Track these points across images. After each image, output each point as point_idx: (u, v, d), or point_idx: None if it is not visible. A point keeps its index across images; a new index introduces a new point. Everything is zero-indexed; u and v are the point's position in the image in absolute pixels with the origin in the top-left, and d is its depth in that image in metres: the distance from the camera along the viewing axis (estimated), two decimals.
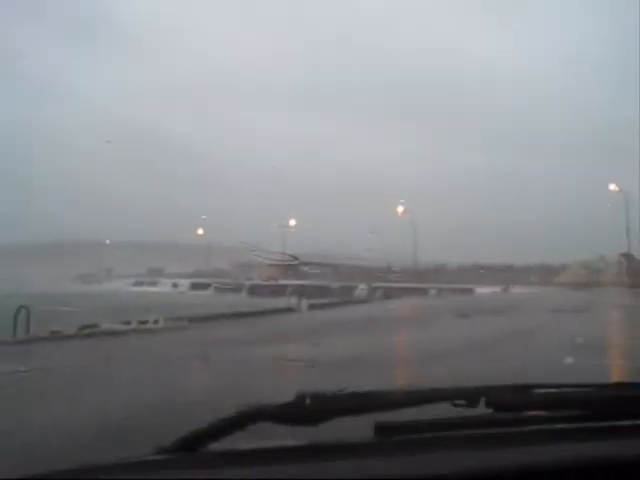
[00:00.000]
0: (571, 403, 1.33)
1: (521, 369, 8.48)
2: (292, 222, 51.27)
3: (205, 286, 53.53)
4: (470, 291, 42.35)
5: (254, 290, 47.98)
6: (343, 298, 36.53)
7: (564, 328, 15.61)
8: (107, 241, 71.16)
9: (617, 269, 42.01)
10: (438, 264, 56.66)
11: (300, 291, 32.02)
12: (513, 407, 1.30)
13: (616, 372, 9.02)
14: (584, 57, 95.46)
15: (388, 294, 39.32)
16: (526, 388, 1.34)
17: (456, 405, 1.27)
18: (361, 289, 44.23)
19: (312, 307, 26.33)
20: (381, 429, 1.22)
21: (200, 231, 64.86)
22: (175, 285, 61.57)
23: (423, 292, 42.15)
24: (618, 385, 1.60)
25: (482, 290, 41.66)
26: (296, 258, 54.21)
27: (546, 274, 47.63)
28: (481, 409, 1.26)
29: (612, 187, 44.74)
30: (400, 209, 51.36)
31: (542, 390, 1.36)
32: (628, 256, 41.41)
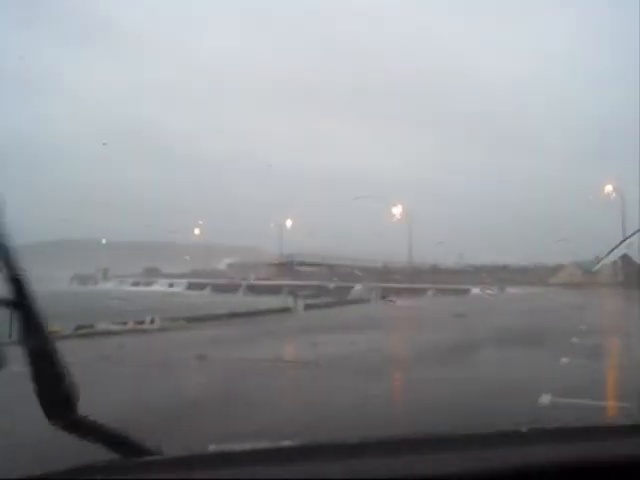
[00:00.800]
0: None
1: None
2: (289, 222, 51.22)
3: (202, 286, 53.39)
4: (466, 291, 42.34)
5: (251, 290, 47.90)
6: (340, 298, 36.47)
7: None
8: (103, 241, 70.85)
9: (612, 270, 42.01)
10: (433, 264, 56.62)
11: (297, 291, 31.94)
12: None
13: None
14: (580, 58, 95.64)
15: (384, 294, 39.27)
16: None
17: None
18: (357, 289, 44.17)
19: (309, 307, 26.28)
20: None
21: (197, 231, 64.65)
22: (171, 285, 61.39)
23: (419, 292, 42.10)
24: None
25: (478, 291, 41.68)
26: (293, 258, 54.11)
27: (542, 274, 47.65)
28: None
29: (608, 188, 44.80)
30: (397, 210, 51.30)
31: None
32: (624, 257, 41.42)
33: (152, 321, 17.81)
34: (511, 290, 40.89)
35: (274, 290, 39.55)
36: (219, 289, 50.69)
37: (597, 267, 44.75)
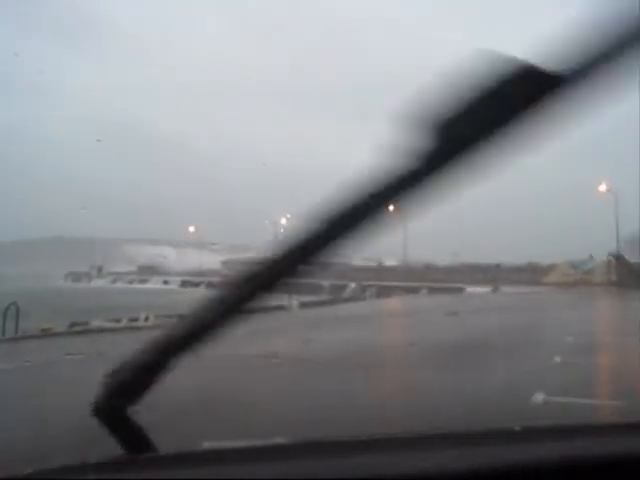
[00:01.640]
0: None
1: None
2: (283, 220, 51.12)
3: (196, 284, 53.39)
4: (460, 290, 42.44)
5: None
6: (334, 296, 36.51)
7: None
8: (98, 238, 70.80)
9: (606, 269, 42.15)
10: (428, 263, 56.75)
11: (291, 289, 31.91)
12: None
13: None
14: None
15: (379, 292, 39.34)
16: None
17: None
18: (352, 287, 44.24)
19: (303, 305, 26.29)
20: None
21: (192, 229, 64.59)
22: (166, 282, 61.36)
23: (413, 291, 42.16)
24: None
25: (472, 289, 41.80)
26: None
27: (535, 273, 47.76)
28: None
29: (602, 187, 44.92)
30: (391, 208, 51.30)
31: None
32: (617, 256, 41.56)
33: (147, 318, 17.78)
34: (505, 289, 41.00)
35: None
36: (213, 287, 50.70)
37: (590, 266, 44.95)
